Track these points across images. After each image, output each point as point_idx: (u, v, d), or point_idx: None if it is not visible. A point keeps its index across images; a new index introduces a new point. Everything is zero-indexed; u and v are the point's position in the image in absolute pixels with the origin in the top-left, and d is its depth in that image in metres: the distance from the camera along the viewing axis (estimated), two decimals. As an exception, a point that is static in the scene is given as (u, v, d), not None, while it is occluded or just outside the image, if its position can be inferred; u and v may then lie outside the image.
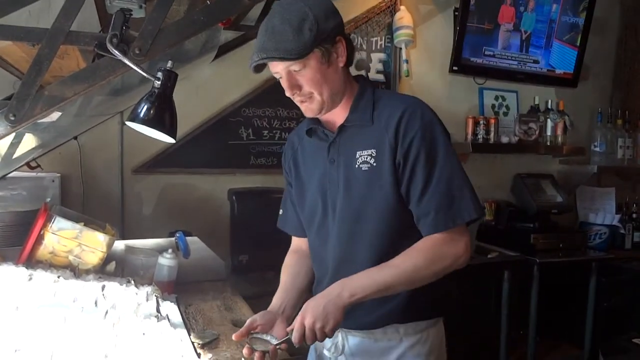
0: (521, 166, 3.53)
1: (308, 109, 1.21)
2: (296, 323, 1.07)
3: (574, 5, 3.34)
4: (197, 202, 2.78)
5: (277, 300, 1.26)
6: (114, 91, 2.35)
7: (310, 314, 1.06)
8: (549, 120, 3.46)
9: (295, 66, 1.13)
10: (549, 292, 2.94)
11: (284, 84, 1.17)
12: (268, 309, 1.22)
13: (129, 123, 1.39)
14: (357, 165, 1.20)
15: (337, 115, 1.25)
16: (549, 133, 3.46)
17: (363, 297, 1.09)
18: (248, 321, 1.14)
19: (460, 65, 3.26)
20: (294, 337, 1.06)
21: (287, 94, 1.18)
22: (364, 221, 1.20)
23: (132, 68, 1.41)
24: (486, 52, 3.32)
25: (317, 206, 1.29)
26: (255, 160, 2.88)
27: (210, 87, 2.78)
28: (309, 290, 1.34)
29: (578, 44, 3.44)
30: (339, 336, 1.27)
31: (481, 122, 3.28)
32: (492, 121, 3.29)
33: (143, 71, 1.40)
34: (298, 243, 1.43)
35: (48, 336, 1.03)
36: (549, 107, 3.52)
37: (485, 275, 2.91)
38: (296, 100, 1.20)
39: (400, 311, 1.21)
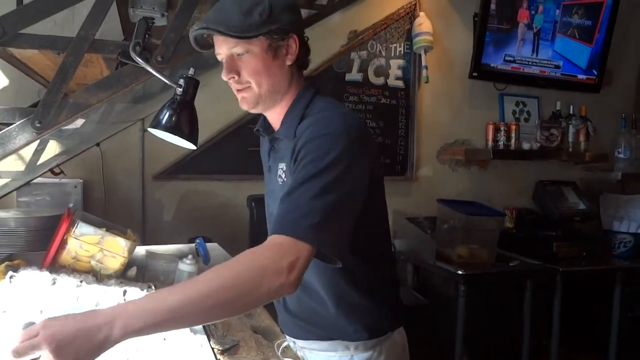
0: (543, 173, 3.49)
1: (243, 100, 1.14)
2: (27, 337, 0.77)
3: (569, 9, 3.41)
4: (217, 208, 2.79)
5: None
6: (136, 98, 2.39)
7: (49, 345, 0.75)
8: (571, 126, 3.42)
9: (238, 48, 1.07)
10: (572, 301, 2.89)
11: (224, 66, 1.11)
12: None
13: (151, 129, 1.40)
14: (277, 178, 1.17)
15: (278, 120, 1.18)
16: (571, 139, 3.42)
17: (141, 331, 0.79)
18: None
19: (480, 71, 3.25)
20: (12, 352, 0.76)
21: (224, 77, 1.12)
22: None
23: (154, 75, 1.43)
24: (506, 58, 3.30)
25: (268, 210, 1.29)
26: (274, 167, 2.88)
27: (230, 94, 2.73)
28: None
29: (577, 36, 3.45)
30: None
31: (502, 128, 3.25)
32: (513, 127, 3.26)
33: (165, 78, 1.42)
34: None
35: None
36: (571, 112, 3.47)
37: (507, 283, 2.87)
38: (233, 88, 1.14)
39: (349, 327, 1.17)
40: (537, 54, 3.37)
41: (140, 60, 1.40)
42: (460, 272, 2.52)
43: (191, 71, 1.42)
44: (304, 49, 1.14)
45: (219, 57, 1.12)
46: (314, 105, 1.13)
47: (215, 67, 2.36)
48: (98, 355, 0.78)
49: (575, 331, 3.03)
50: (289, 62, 1.12)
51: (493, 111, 3.46)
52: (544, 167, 3.50)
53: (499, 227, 2.86)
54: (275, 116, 1.18)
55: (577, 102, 3.51)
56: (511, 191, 3.47)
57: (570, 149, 3.40)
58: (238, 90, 1.13)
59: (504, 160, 3.39)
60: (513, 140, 3.25)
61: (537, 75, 3.40)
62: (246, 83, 1.11)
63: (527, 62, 3.36)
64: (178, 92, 1.39)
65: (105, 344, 0.77)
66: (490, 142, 3.26)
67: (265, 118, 1.23)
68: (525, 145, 3.25)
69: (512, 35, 3.29)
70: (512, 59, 3.32)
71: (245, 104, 1.14)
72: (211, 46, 1.13)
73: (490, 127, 3.27)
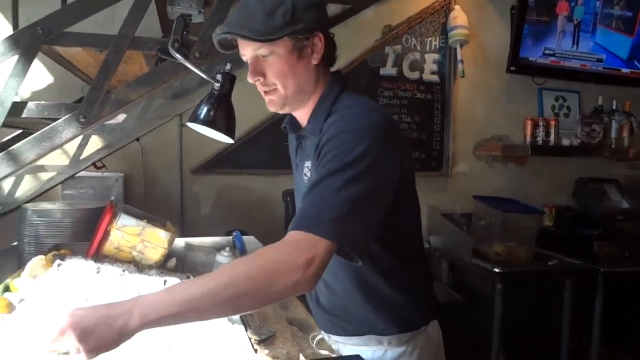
0: (583, 170, 3.39)
1: (270, 102, 1.13)
2: (55, 330, 0.80)
3: (610, 1, 3.33)
4: (253, 202, 2.84)
5: None
6: (174, 94, 2.44)
7: (74, 332, 0.79)
8: (613, 121, 3.32)
9: (262, 50, 1.05)
10: (613, 302, 2.80)
11: (249, 68, 1.09)
12: None
13: (189, 124, 1.43)
14: (303, 176, 1.16)
15: (305, 118, 1.17)
16: (613, 135, 3.32)
17: (157, 321, 0.82)
18: None
19: (517, 65, 3.18)
20: (46, 344, 0.81)
21: (249, 79, 1.10)
22: None
23: (192, 71, 1.46)
24: (546, 51, 3.22)
25: (297, 205, 1.28)
26: (309, 162, 2.91)
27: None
28: None
29: (618, 27, 3.36)
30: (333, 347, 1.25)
31: (540, 123, 3.18)
32: (552, 123, 3.18)
33: (203, 73, 1.45)
34: None
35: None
36: (614, 108, 3.36)
37: (545, 282, 2.81)
38: (259, 89, 1.12)
39: (379, 322, 1.17)
40: (577, 47, 3.28)
41: (179, 56, 1.43)
42: (497, 270, 2.48)
43: (228, 66, 1.44)
44: (330, 46, 1.12)
45: (244, 58, 1.11)
46: (340, 102, 1.11)
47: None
48: (119, 342, 0.81)
49: (617, 332, 2.95)
50: (314, 62, 1.10)
51: (531, 106, 3.38)
52: (585, 164, 3.41)
53: (537, 224, 2.80)
54: (302, 114, 1.17)
55: (620, 96, 3.40)
56: (550, 188, 3.39)
57: (613, 145, 3.30)
58: (265, 92, 1.12)
59: (543, 156, 3.32)
60: (552, 136, 3.17)
61: (578, 69, 3.31)
62: (272, 85, 1.09)
63: (567, 56, 3.27)
64: (215, 87, 1.41)
65: (124, 332, 0.80)
66: (528, 138, 3.19)
67: (292, 115, 1.23)
68: (565, 142, 3.17)
69: (552, 28, 3.22)
70: (551, 52, 3.24)
71: (272, 105, 1.14)
72: (235, 47, 1.12)
73: (529, 123, 3.20)
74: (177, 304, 0.82)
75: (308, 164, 1.14)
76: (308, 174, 1.14)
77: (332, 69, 1.19)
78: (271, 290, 0.86)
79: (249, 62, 1.09)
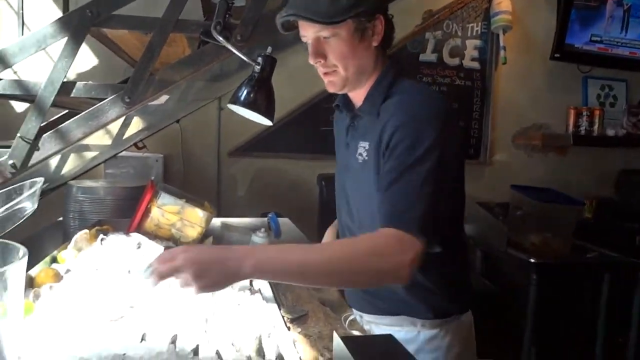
0: (628, 161, 3.29)
1: (330, 83, 1.14)
2: (166, 261, 0.85)
3: None
4: (288, 185, 2.87)
5: None
6: (214, 77, 2.48)
7: (190, 267, 0.83)
8: (663, 112, 3.19)
9: (324, 32, 1.06)
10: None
11: (309, 50, 1.10)
12: None
13: (230, 105, 1.45)
14: (356, 156, 1.17)
15: (361, 98, 1.18)
16: (662, 126, 3.19)
17: (268, 274, 0.91)
18: None
19: (562, 52, 3.09)
20: (153, 274, 0.84)
21: (310, 61, 1.11)
22: (358, 214, 1.20)
23: (234, 53, 1.48)
24: (593, 38, 3.11)
25: (339, 184, 1.30)
26: (344, 147, 2.91)
27: (305, 73, 2.82)
28: None
29: None
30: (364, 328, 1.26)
31: (584, 113, 3.09)
32: (597, 112, 3.09)
33: (244, 56, 1.47)
34: None
35: (156, 298, 1.13)
36: (665, 97, 3.24)
37: (582, 275, 2.74)
38: (319, 71, 1.13)
39: (414, 305, 1.19)
40: (626, 33, 3.15)
41: (221, 39, 1.45)
42: (532, 261, 2.44)
43: (269, 50, 1.46)
44: (389, 28, 1.13)
45: (304, 39, 1.12)
46: (397, 85, 1.12)
47: (291, 46, 2.40)
48: (228, 284, 0.89)
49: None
50: (375, 43, 1.11)
51: (575, 95, 3.28)
52: (630, 155, 3.30)
53: (576, 216, 2.73)
54: (358, 94, 1.19)
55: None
56: (591, 180, 3.29)
57: (662, 137, 3.18)
58: (325, 74, 1.14)
59: (586, 147, 3.22)
60: (596, 126, 3.08)
61: (626, 56, 3.19)
62: (333, 67, 1.10)
63: (615, 43, 3.15)
64: (256, 70, 1.43)
65: (236, 276, 0.87)
66: (571, 128, 3.11)
67: (345, 94, 1.24)
68: (610, 132, 3.08)
69: (600, 13, 3.10)
70: (599, 38, 3.12)
71: (332, 87, 1.15)
72: (295, 28, 1.13)
73: (572, 112, 3.12)
74: (289, 263, 0.91)
75: (365, 144, 1.15)
76: (364, 154, 1.15)
77: None
78: (379, 277, 0.97)
79: (309, 43, 1.10)
